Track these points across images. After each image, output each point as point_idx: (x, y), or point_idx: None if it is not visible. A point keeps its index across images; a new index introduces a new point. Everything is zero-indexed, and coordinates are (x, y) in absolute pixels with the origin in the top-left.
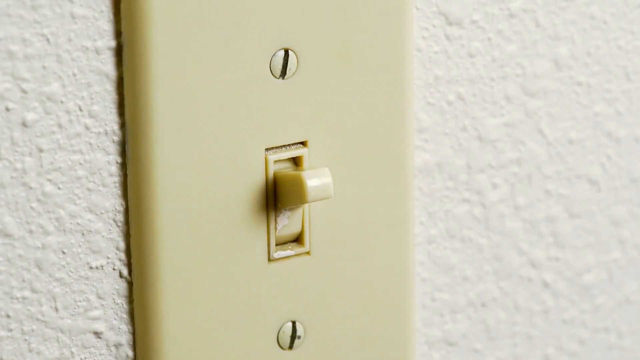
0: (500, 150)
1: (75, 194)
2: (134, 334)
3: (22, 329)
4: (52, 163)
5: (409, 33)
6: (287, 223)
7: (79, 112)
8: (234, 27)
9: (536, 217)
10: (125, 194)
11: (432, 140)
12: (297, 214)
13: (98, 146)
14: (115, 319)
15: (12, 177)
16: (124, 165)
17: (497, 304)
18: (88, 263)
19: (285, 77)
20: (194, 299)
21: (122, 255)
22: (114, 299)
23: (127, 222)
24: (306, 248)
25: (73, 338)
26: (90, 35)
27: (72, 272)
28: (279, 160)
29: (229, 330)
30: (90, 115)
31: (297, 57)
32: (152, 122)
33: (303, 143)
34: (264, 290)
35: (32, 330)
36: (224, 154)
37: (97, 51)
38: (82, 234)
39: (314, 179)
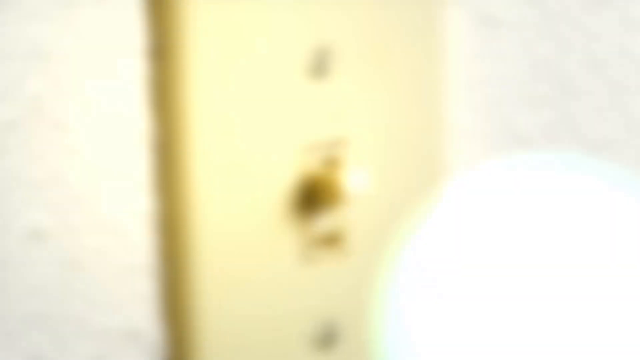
0: (537, 151)
1: (108, 193)
2: (168, 334)
3: (57, 329)
4: (87, 163)
5: (445, 33)
6: (323, 223)
7: (108, 112)
8: (271, 27)
9: None
10: (159, 194)
11: (469, 141)
12: (334, 214)
13: (130, 147)
14: (149, 319)
15: (50, 177)
16: (158, 166)
17: None
18: (122, 262)
19: (323, 75)
20: (229, 298)
21: (156, 255)
22: (147, 299)
23: (161, 221)
24: (343, 248)
25: (106, 338)
26: (124, 40)
27: (104, 272)
28: (316, 160)
29: (264, 331)
30: (122, 117)
31: (334, 56)
32: (188, 124)
33: (340, 142)
34: (300, 291)
35: (67, 330)
36: (261, 153)
37: (133, 55)
38: (115, 233)
39: (352, 179)
